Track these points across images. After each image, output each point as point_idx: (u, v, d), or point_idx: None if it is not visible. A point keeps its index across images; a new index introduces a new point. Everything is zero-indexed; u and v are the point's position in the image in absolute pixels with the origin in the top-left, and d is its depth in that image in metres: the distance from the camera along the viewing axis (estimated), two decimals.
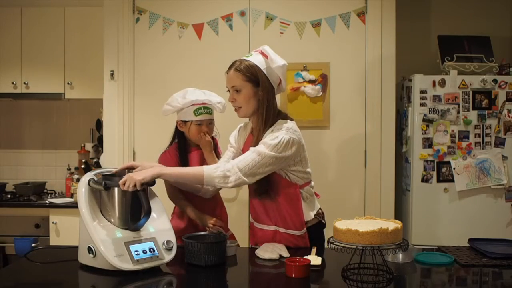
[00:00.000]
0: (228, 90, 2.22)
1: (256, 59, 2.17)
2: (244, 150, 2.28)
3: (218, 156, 2.51)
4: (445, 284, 1.87)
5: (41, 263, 2.02)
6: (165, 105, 2.48)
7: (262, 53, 2.18)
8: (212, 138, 2.50)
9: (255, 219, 2.31)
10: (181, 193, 2.45)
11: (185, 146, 2.49)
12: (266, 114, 2.15)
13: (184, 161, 2.45)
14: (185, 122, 2.44)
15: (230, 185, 2.05)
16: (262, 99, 2.15)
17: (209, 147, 2.44)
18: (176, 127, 2.51)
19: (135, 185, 1.89)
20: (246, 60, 2.18)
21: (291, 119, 2.21)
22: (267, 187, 2.16)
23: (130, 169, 2.09)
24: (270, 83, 2.17)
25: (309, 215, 2.22)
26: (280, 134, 2.07)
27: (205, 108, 2.41)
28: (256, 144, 2.12)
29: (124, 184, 1.90)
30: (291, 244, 2.18)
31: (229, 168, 2.04)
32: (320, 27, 3.41)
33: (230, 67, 2.21)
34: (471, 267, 1.96)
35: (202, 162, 2.44)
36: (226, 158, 2.35)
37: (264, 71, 2.15)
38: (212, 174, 2.03)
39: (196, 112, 2.39)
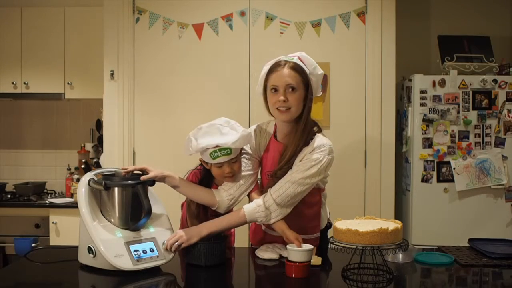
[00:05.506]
0: (276, 90, 2.01)
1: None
2: (265, 158, 2.16)
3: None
4: (445, 284, 1.87)
5: (41, 263, 2.02)
6: (185, 145, 2.15)
7: (300, 59, 2.06)
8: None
9: (267, 226, 2.19)
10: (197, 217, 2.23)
11: (209, 179, 2.23)
12: (307, 121, 2.03)
13: None
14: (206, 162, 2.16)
15: (272, 221, 2.01)
16: (309, 104, 2.04)
17: None
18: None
19: (180, 244, 1.93)
20: (293, 61, 2.03)
21: (320, 129, 2.10)
22: None
23: (141, 172, 2.04)
24: (312, 89, 2.08)
25: (325, 220, 2.20)
26: (323, 155, 1.98)
27: (222, 150, 2.04)
28: (291, 153, 2.01)
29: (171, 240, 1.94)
30: None
31: (268, 205, 1.98)
32: (320, 27, 3.41)
33: (282, 65, 2.01)
34: (471, 267, 1.96)
35: None
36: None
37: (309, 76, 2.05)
38: (254, 215, 2.00)
39: (212, 155, 2.05)
